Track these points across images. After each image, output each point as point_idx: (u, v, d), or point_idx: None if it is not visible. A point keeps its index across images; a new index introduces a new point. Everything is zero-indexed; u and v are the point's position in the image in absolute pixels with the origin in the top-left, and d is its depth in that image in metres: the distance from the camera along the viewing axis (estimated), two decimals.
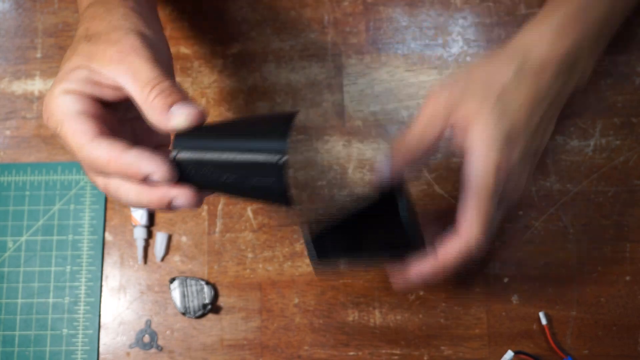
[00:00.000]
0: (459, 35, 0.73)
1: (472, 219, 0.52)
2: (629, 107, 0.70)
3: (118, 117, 0.50)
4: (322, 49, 0.72)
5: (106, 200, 0.69)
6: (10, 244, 0.68)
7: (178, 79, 0.72)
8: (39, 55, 0.73)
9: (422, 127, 0.55)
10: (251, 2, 0.74)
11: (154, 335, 0.66)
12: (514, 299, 0.66)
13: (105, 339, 0.66)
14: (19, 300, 0.67)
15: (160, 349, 0.66)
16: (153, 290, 0.67)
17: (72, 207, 0.69)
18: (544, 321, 0.65)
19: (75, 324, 0.66)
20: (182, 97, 0.46)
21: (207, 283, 0.66)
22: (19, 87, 0.72)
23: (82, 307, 0.67)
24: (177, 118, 0.45)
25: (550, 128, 0.58)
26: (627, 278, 0.66)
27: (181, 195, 0.45)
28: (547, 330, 0.65)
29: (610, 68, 0.71)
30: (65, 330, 0.66)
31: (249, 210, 0.69)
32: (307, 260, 0.67)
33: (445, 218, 0.56)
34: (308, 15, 0.74)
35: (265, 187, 0.44)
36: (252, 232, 0.68)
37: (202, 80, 0.72)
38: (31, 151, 0.71)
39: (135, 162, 0.44)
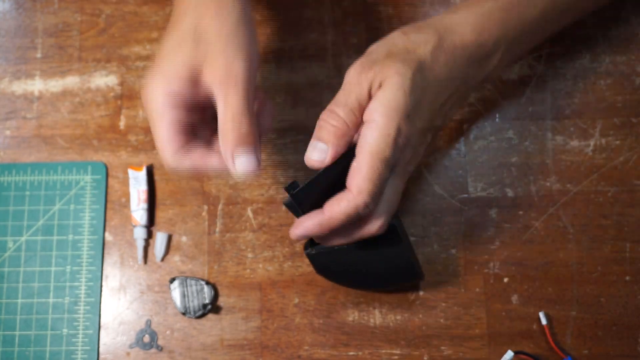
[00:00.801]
0: None
1: (361, 181, 0.52)
2: (629, 107, 0.70)
3: (204, 114, 0.55)
4: (322, 49, 0.72)
5: (106, 200, 0.69)
6: (10, 244, 0.68)
7: None
8: (39, 55, 0.73)
9: (346, 95, 0.54)
10: (251, 2, 0.74)
11: (154, 335, 0.66)
12: (514, 299, 0.66)
13: (106, 339, 0.66)
14: (19, 300, 0.67)
15: (160, 349, 0.66)
16: (153, 290, 0.67)
17: (72, 207, 0.69)
18: (543, 321, 0.65)
19: (76, 324, 0.66)
20: (252, 146, 0.51)
21: (207, 283, 0.66)
22: (19, 87, 0.72)
23: (82, 307, 0.67)
24: (238, 167, 0.51)
25: (454, 110, 0.60)
26: (627, 278, 0.66)
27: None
28: (547, 330, 0.65)
29: (610, 68, 0.71)
30: (65, 330, 0.66)
31: (249, 210, 0.69)
32: (307, 260, 0.67)
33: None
34: (308, 15, 0.74)
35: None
36: (252, 232, 0.68)
37: None
38: (31, 151, 0.71)
39: (212, 168, 0.53)
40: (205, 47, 0.51)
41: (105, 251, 0.68)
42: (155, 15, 0.74)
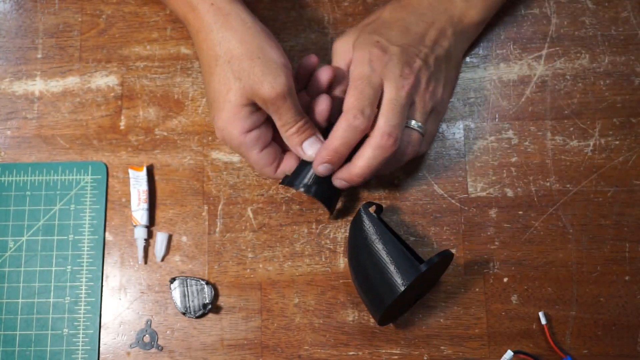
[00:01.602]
0: None
1: (348, 99, 0.59)
2: (629, 107, 0.70)
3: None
4: (322, 49, 0.72)
5: (106, 200, 0.69)
6: (11, 244, 0.68)
7: (178, 79, 0.72)
8: (39, 55, 0.73)
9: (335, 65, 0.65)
10: (251, 2, 0.74)
11: (154, 335, 0.66)
12: (514, 298, 0.66)
13: (106, 339, 0.66)
14: (20, 300, 0.67)
15: (160, 348, 0.66)
16: (153, 290, 0.67)
17: (72, 207, 0.69)
18: (543, 321, 0.65)
19: (76, 323, 0.66)
20: (311, 133, 0.62)
21: (208, 283, 0.66)
22: (20, 87, 0.73)
23: (82, 307, 0.67)
24: (307, 152, 0.62)
25: (440, 47, 0.65)
26: (627, 278, 0.66)
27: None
28: (546, 330, 0.65)
29: (610, 68, 0.71)
30: (65, 330, 0.66)
31: (249, 210, 0.69)
32: (307, 260, 0.68)
33: None
34: (308, 15, 0.74)
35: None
36: (252, 232, 0.68)
37: (202, 80, 0.72)
38: (32, 151, 0.71)
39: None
40: (247, 79, 0.59)
41: (106, 251, 0.68)
42: (156, 16, 0.74)
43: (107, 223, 0.69)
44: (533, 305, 0.66)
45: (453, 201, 0.69)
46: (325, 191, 0.63)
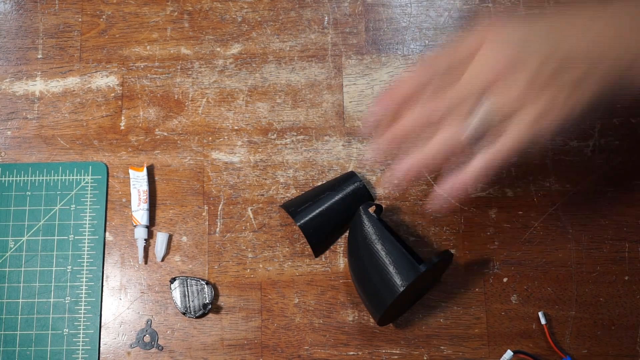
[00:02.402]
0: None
1: None
2: (628, 108, 0.70)
3: None
4: (322, 49, 0.73)
5: (107, 200, 0.69)
6: (11, 244, 0.68)
7: (178, 79, 0.72)
8: (39, 56, 0.73)
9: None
10: (251, 2, 0.74)
11: (154, 335, 0.66)
12: (514, 298, 0.66)
13: (106, 339, 0.66)
14: (20, 300, 0.67)
15: (160, 348, 0.66)
16: (154, 290, 0.67)
17: (73, 207, 0.69)
18: (543, 321, 0.65)
19: (76, 323, 0.66)
20: None
21: (208, 283, 0.66)
22: (20, 87, 0.73)
23: (83, 307, 0.67)
24: None
25: None
26: (626, 278, 0.66)
27: None
28: (546, 330, 0.65)
29: None
30: (66, 330, 0.66)
31: (249, 210, 0.69)
32: (307, 260, 0.68)
33: None
34: (308, 15, 0.74)
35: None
36: (252, 232, 0.68)
37: (202, 80, 0.72)
38: (32, 151, 0.71)
39: None
40: None
41: (106, 251, 0.68)
42: (156, 16, 0.74)
43: (107, 223, 0.69)
44: (533, 305, 0.66)
45: (453, 201, 0.69)
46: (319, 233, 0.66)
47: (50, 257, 0.68)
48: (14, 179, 0.70)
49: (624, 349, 0.65)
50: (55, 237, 0.68)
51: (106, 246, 0.68)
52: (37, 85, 0.73)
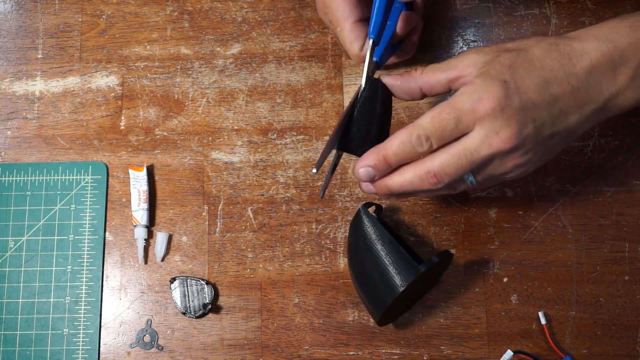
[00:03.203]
0: (459, 36, 0.73)
1: (424, 116, 0.53)
2: None
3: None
4: (322, 49, 0.73)
5: (107, 200, 0.69)
6: (11, 244, 0.68)
7: (178, 79, 0.72)
8: (39, 55, 0.73)
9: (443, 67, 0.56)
10: (251, 2, 0.74)
11: (154, 335, 0.66)
12: (514, 298, 0.66)
13: (106, 339, 0.66)
14: (20, 300, 0.67)
15: (160, 348, 0.66)
16: (153, 290, 0.67)
17: (73, 207, 0.69)
18: (543, 321, 0.65)
19: (76, 323, 0.67)
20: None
21: (208, 283, 0.66)
22: (20, 87, 0.73)
23: (82, 307, 0.67)
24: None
25: (571, 117, 0.54)
26: (626, 278, 0.67)
27: None
28: (546, 330, 0.65)
29: None
30: (66, 330, 0.66)
31: (249, 210, 0.69)
32: (307, 260, 0.68)
33: None
34: (308, 15, 0.74)
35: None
36: (252, 232, 0.68)
37: (202, 80, 0.72)
38: (32, 151, 0.71)
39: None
40: None
41: (106, 251, 0.68)
42: (156, 16, 0.74)
43: (107, 223, 0.69)
44: (533, 305, 0.66)
45: (453, 201, 0.69)
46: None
47: (50, 257, 0.68)
48: (14, 179, 0.70)
49: (624, 349, 0.65)
50: (55, 237, 0.68)
51: (106, 246, 0.68)
52: (37, 85, 0.73)
